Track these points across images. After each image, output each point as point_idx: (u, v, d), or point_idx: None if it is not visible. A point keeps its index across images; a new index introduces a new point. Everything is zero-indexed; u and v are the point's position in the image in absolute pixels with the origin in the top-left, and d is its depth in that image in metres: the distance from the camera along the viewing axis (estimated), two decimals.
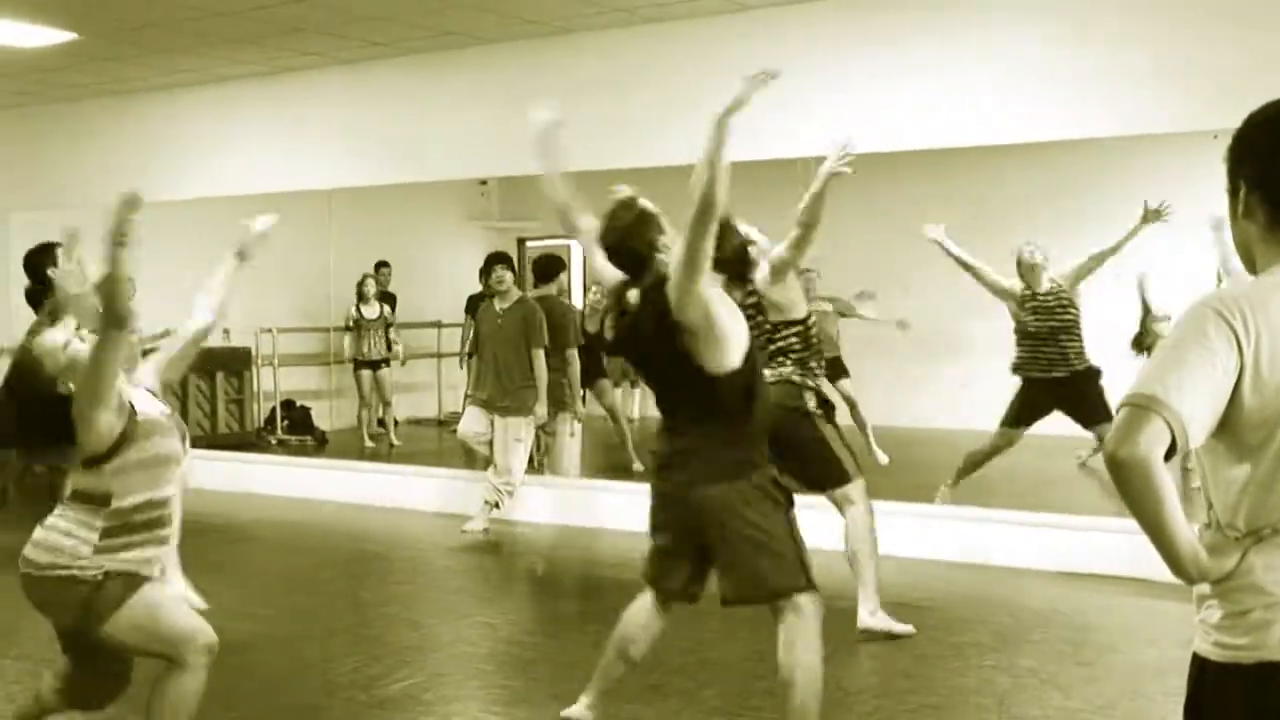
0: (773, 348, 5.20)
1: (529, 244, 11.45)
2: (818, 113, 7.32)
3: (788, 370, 5.19)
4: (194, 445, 5.67)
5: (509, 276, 7.84)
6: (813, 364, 5.29)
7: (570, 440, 8.33)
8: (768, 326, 5.21)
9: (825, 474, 5.21)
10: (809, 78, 7.43)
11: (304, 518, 8.33)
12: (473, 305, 11.24)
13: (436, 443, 11.49)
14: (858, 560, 5.30)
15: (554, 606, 6.53)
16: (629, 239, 3.82)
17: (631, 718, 4.30)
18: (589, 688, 4.10)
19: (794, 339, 5.24)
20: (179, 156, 10.37)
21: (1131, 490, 1.82)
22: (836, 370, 8.47)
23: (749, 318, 4.30)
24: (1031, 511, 6.99)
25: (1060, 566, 6.60)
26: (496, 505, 7.77)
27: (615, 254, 3.88)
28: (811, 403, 5.24)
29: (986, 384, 8.29)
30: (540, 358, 7.70)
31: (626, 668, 4.10)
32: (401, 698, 4.61)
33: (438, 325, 11.78)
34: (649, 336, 3.77)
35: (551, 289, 8.17)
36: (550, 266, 8.31)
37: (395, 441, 11.13)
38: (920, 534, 7.03)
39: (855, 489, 5.30)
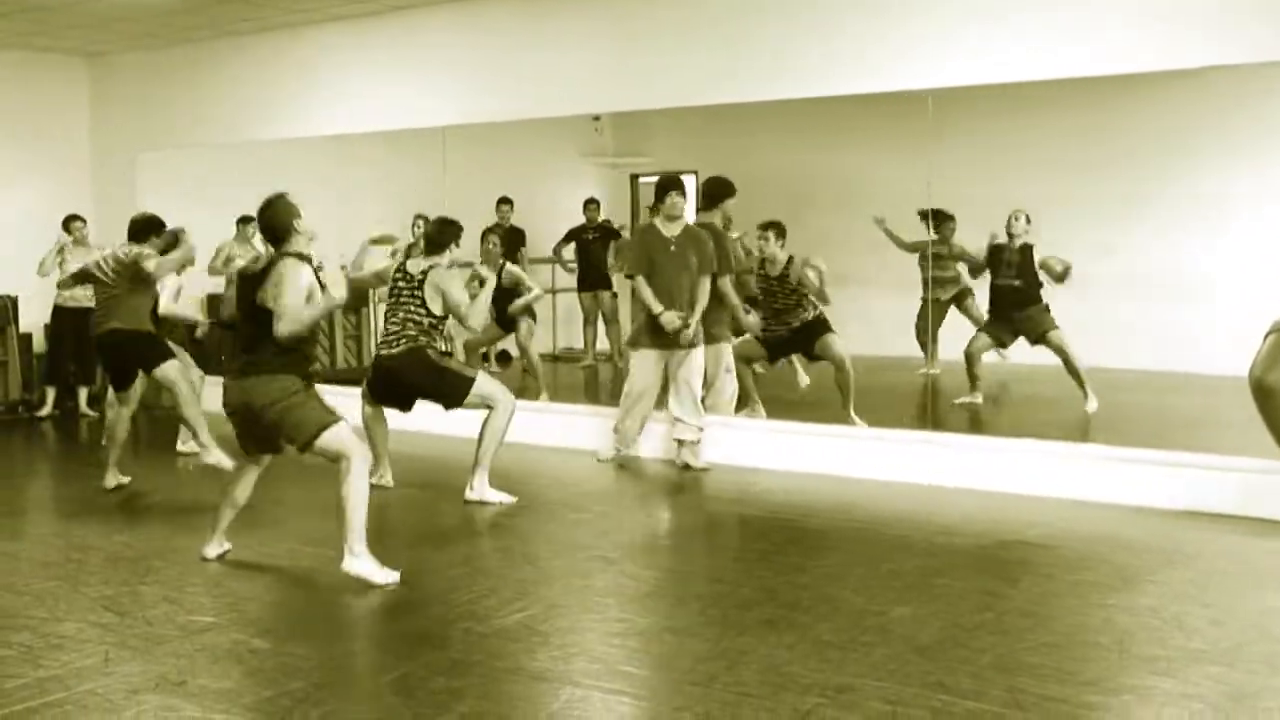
0: None
1: (642, 179, 11.41)
2: (941, 44, 7.17)
3: None
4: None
5: (681, 201, 7.75)
6: None
7: (726, 375, 8.25)
8: None
9: None
10: (934, 13, 7.27)
11: (418, 452, 8.47)
12: (572, 237, 11.30)
13: (552, 378, 11.57)
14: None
15: (670, 542, 6.57)
16: None
17: (745, 649, 4.31)
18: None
19: None
20: (297, 96, 10.54)
21: (1277, 416, 1.77)
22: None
23: None
24: (1155, 449, 6.80)
25: (1185, 506, 6.45)
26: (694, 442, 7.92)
27: None
28: None
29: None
30: (727, 284, 7.93)
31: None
32: (518, 628, 4.67)
33: (552, 261, 11.83)
34: None
35: (715, 216, 8.11)
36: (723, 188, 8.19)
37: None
38: (1042, 472, 6.92)
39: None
